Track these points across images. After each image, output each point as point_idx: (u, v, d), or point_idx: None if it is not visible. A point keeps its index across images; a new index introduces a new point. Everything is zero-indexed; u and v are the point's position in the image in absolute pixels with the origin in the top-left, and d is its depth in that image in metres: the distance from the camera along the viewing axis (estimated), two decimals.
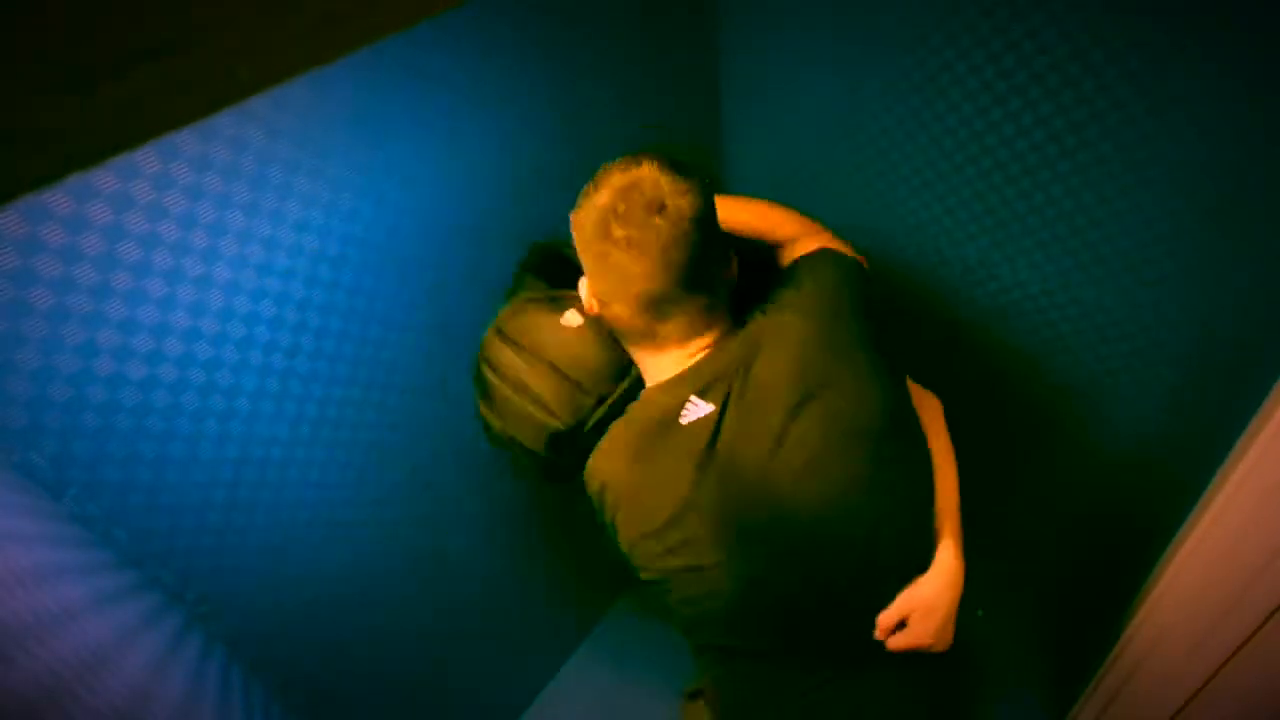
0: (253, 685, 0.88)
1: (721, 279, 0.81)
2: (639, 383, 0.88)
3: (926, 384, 0.97)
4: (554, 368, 0.87)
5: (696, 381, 0.79)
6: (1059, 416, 1.27)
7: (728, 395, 0.78)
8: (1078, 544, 1.47)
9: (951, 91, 1.07)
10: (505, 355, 0.90)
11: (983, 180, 1.12)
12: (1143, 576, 1.12)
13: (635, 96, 1.19)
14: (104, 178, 0.63)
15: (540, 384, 0.87)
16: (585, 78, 1.09)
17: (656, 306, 0.77)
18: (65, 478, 0.69)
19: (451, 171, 0.95)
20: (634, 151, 0.78)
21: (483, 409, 0.94)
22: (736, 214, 0.96)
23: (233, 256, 0.75)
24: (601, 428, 0.86)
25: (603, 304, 0.81)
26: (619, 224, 0.74)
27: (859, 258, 0.91)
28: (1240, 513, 0.92)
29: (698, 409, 0.78)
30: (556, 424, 0.86)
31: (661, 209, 0.73)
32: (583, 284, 0.83)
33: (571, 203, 0.80)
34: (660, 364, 0.83)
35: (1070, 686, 1.36)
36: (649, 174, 0.74)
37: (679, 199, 0.74)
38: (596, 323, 0.87)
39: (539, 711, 1.57)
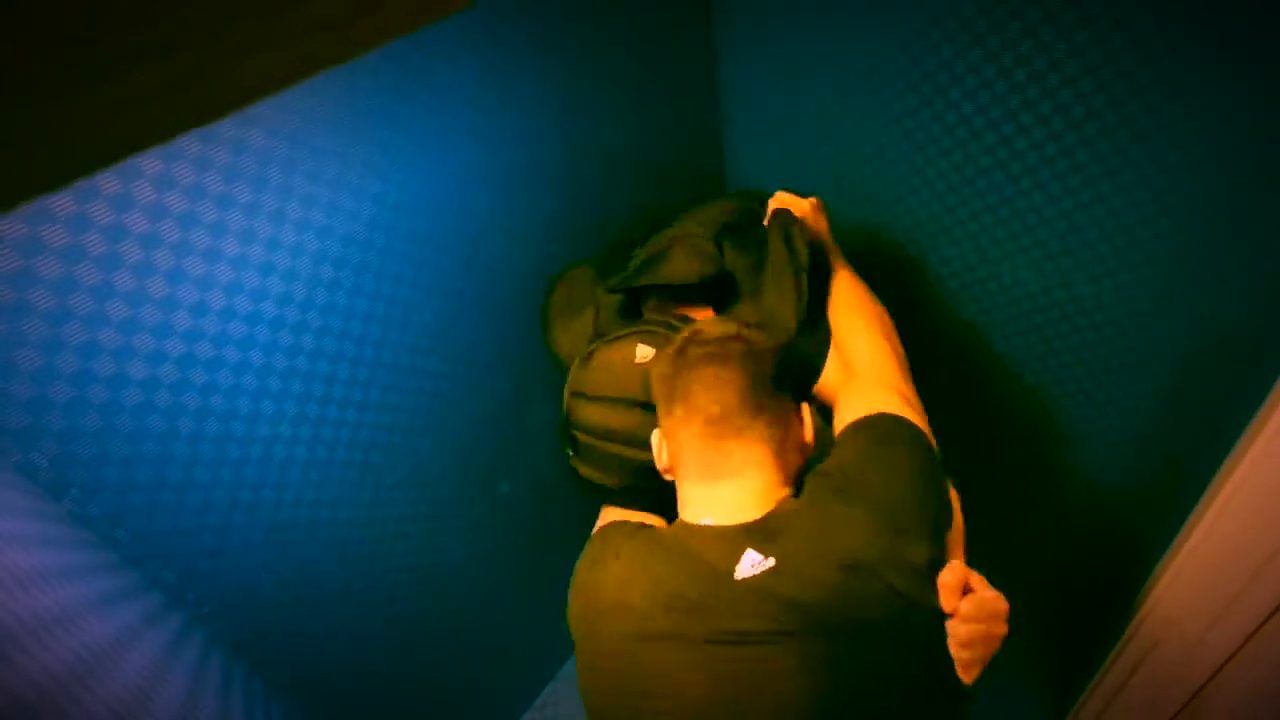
0: (253, 685, 0.88)
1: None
2: None
3: (925, 382, 0.97)
4: (636, 403, 0.87)
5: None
6: (1059, 415, 1.27)
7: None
8: (1078, 543, 1.47)
9: (951, 91, 1.07)
10: (589, 412, 0.90)
11: (982, 179, 1.12)
12: (1143, 576, 1.12)
13: (635, 96, 1.19)
14: (105, 178, 0.64)
15: (627, 422, 0.87)
16: (584, 77, 1.09)
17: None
18: (66, 478, 0.69)
19: (451, 171, 0.95)
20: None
21: (573, 461, 0.95)
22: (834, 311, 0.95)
23: (234, 256, 0.76)
24: None
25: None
26: (695, 346, 0.75)
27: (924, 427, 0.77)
28: (1241, 512, 0.92)
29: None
30: (646, 456, 0.86)
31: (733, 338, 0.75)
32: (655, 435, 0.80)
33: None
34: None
35: (1070, 687, 1.36)
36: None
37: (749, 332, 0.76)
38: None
39: (539, 712, 1.57)
